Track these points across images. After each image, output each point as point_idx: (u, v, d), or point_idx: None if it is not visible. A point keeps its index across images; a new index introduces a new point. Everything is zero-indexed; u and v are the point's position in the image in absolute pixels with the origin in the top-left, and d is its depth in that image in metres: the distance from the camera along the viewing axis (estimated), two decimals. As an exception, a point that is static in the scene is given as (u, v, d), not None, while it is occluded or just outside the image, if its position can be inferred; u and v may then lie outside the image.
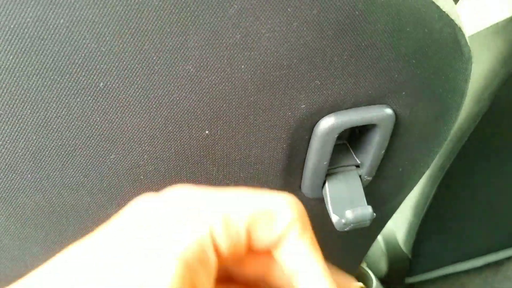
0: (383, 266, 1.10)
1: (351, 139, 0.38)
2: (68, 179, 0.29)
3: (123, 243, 0.19)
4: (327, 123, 0.31)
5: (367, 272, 1.13)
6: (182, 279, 0.18)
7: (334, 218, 0.36)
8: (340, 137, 0.36)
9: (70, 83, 0.25)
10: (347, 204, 0.36)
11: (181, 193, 0.21)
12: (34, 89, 0.25)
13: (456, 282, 1.23)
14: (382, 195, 0.43)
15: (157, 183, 0.32)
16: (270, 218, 0.21)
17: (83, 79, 0.25)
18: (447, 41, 0.31)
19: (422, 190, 0.91)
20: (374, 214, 0.35)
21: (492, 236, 1.15)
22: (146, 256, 0.18)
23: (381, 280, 1.14)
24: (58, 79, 0.25)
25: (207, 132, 0.30)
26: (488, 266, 1.23)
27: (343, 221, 0.35)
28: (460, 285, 1.23)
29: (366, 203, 0.36)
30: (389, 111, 0.32)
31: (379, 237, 1.08)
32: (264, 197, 0.21)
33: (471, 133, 0.77)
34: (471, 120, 0.76)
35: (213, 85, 0.27)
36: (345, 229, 0.36)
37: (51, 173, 0.28)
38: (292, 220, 0.21)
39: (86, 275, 0.18)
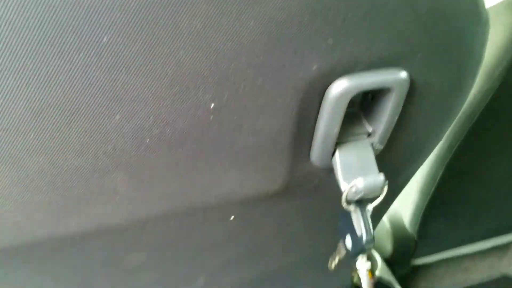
0: (388, 247, 1.10)
1: (363, 106, 0.37)
2: (72, 141, 0.28)
3: None
4: (340, 86, 0.30)
5: (372, 253, 1.13)
6: None
7: (344, 186, 0.35)
8: (351, 104, 0.35)
9: (72, 38, 0.24)
10: (357, 172, 0.35)
11: None
12: (36, 42, 0.24)
13: (460, 266, 1.22)
14: (393, 167, 0.42)
15: (163, 148, 0.31)
16: None
17: (86, 33, 0.24)
18: (465, 1, 0.29)
19: (429, 171, 0.90)
20: (387, 181, 0.34)
21: (499, 219, 1.14)
22: None
23: (386, 261, 1.14)
24: (60, 32, 0.24)
25: (214, 94, 0.29)
26: (493, 250, 1.22)
27: (354, 189, 0.34)
28: (465, 269, 1.22)
29: (377, 171, 0.35)
30: (404, 74, 0.31)
31: (385, 219, 1.07)
32: None
33: (481, 112, 0.76)
34: (481, 98, 0.74)
35: (221, 43, 0.26)
36: (355, 199, 0.35)
37: (55, 134, 0.28)
38: None
39: None
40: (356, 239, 0.37)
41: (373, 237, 0.36)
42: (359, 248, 0.37)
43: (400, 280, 1.12)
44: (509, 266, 1.21)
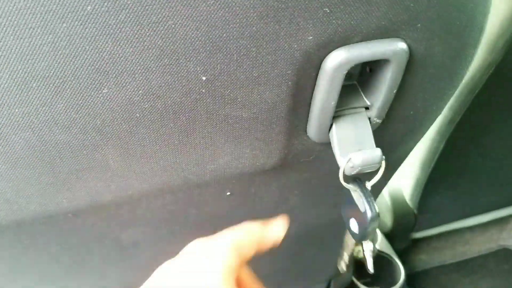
0: (388, 221, 1.10)
1: (361, 79, 0.36)
2: (58, 115, 0.27)
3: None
4: (336, 58, 0.29)
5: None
6: None
7: (340, 161, 0.34)
8: (349, 76, 0.34)
9: (55, 6, 0.23)
10: (354, 147, 0.34)
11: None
12: (16, 12, 0.23)
13: (460, 239, 1.23)
14: (391, 141, 0.41)
15: (154, 122, 0.30)
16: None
17: (69, 2, 0.23)
18: None
19: (431, 145, 0.89)
20: (384, 157, 0.33)
21: (499, 193, 1.14)
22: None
23: (386, 235, 1.14)
24: (42, 1, 0.22)
25: (206, 66, 0.28)
26: (493, 223, 1.22)
27: (351, 164, 0.34)
28: (464, 242, 1.23)
29: (374, 146, 0.34)
30: (403, 45, 0.30)
31: (385, 192, 1.07)
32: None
33: (483, 85, 0.74)
34: (483, 71, 0.73)
35: (212, 11, 0.25)
36: (353, 173, 0.34)
37: (40, 108, 0.27)
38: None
39: None
40: (361, 219, 0.37)
41: (378, 214, 0.35)
42: (365, 227, 0.36)
43: (400, 253, 1.13)
44: (509, 238, 1.22)
